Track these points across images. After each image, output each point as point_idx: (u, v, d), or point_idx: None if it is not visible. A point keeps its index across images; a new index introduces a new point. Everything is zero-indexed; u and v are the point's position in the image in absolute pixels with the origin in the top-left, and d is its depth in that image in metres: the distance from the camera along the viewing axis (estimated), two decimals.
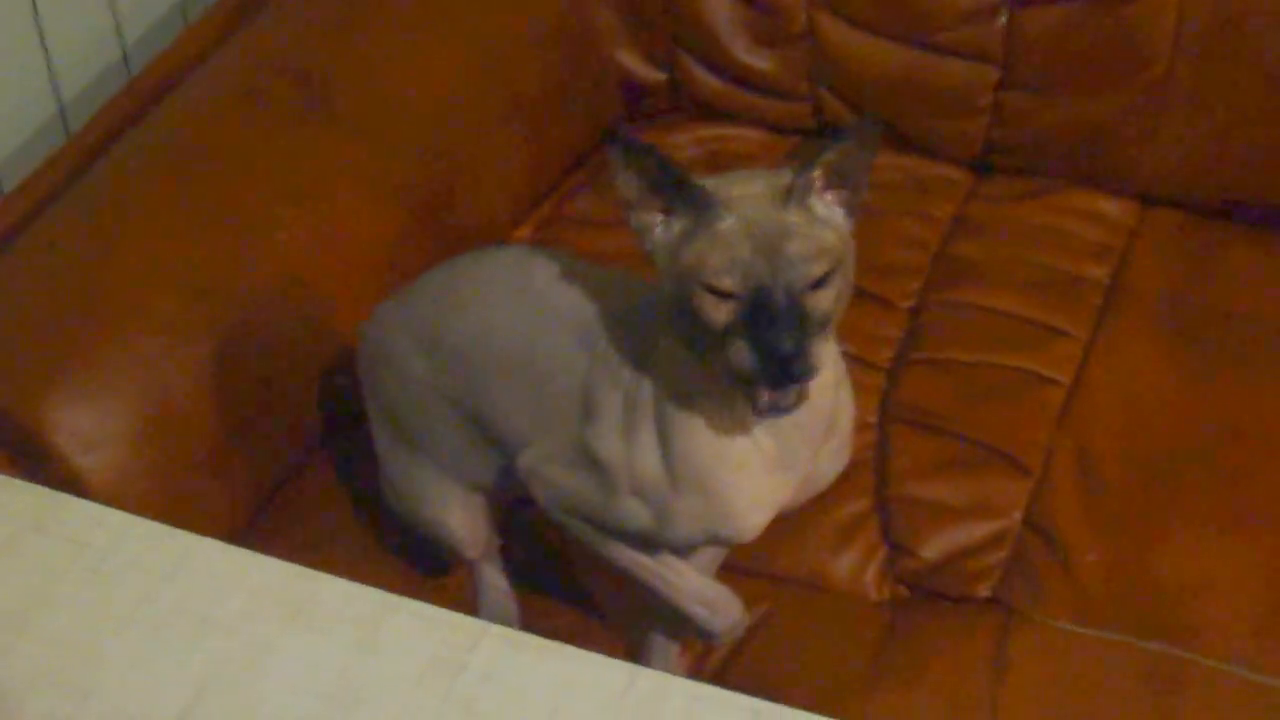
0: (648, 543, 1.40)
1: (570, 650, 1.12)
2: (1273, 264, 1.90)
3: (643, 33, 2.06)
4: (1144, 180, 1.97)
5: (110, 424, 1.51)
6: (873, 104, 2.00)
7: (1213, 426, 1.73)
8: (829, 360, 1.24)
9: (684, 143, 2.06)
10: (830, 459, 1.37)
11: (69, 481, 1.47)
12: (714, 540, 1.39)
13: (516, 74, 1.95)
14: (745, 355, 1.18)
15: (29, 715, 1.09)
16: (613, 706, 1.08)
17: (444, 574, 1.62)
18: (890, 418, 1.75)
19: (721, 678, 1.54)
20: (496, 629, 1.14)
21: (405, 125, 1.83)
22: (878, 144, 1.22)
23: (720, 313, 1.19)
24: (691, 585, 1.45)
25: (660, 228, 1.23)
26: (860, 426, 1.58)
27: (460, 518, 1.53)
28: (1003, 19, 1.94)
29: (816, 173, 1.20)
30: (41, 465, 1.48)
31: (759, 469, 1.31)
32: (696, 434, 1.29)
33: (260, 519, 1.64)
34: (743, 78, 2.06)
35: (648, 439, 1.31)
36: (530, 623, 1.58)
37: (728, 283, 1.18)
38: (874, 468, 1.71)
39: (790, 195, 1.19)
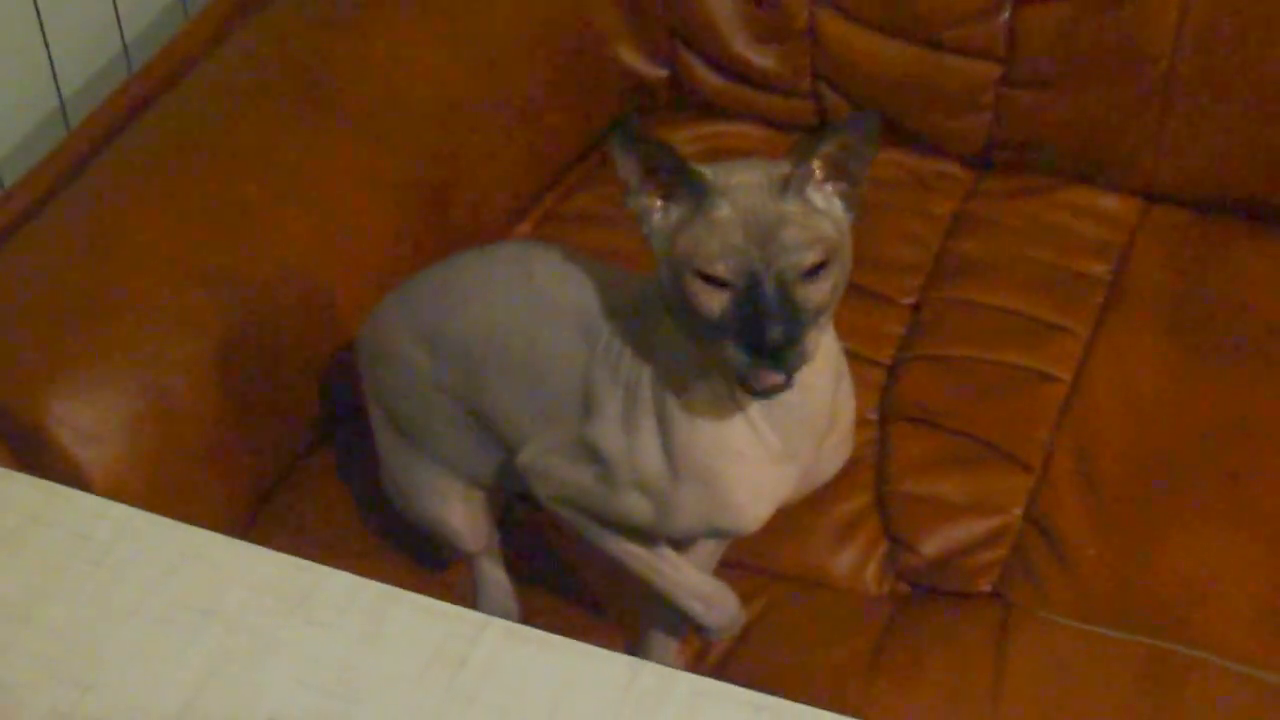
0: (649, 536, 1.40)
1: (573, 644, 1.12)
2: (1274, 261, 1.90)
3: (644, 29, 2.06)
4: (1145, 177, 1.97)
5: (111, 418, 1.51)
6: (874, 101, 2.00)
7: (1213, 423, 1.73)
8: (823, 351, 1.24)
9: (685, 140, 2.06)
10: (832, 453, 1.37)
11: (69, 475, 1.47)
12: (715, 532, 1.39)
13: (517, 71, 1.95)
14: (735, 343, 1.18)
15: (31, 708, 1.09)
16: (615, 700, 1.08)
17: (444, 568, 1.62)
18: (891, 414, 1.75)
19: (722, 672, 1.54)
20: (499, 622, 1.14)
21: (406, 121, 1.83)
22: (877, 136, 1.21)
23: (714, 300, 1.19)
24: (689, 580, 1.45)
25: (658, 213, 1.23)
26: (861, 423, 1.57)
27: (460, 512, 1.54)
28: (1005, 16, 1.94)
29: (815, 164, 1.20)
30: (42, 459, 1.48)
31: (761, 461, 1.31)
32: (697, 425, 1.29)
33: (261, 513, 1.64)
34: (744, 74, 2.06)
35: (648, 431, 1.31)
36: (529, 619, 1.58)
37: (721, 269, 1.18)
38: (874, 464, 1.71)
39: (788, 185, 1.19)
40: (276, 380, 1.64)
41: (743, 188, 1.20)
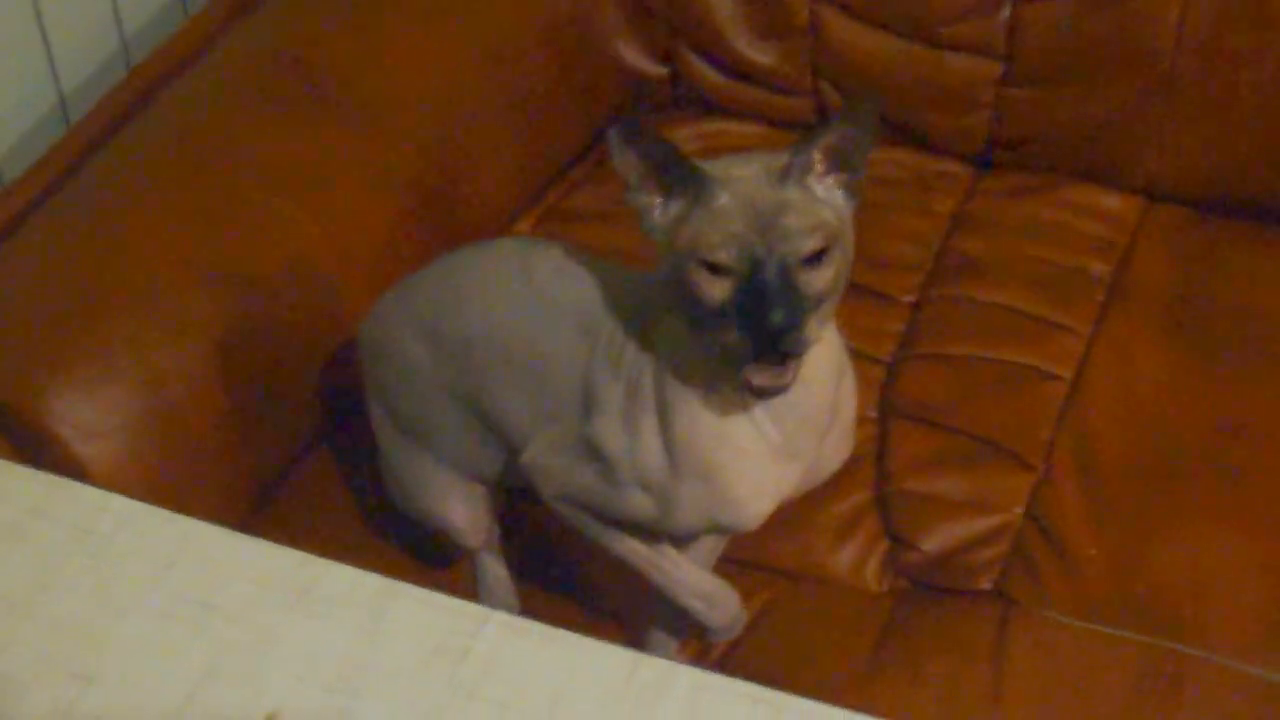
0: (650, 533, 1.39)
1: (574, 637, 1.12)
2: (1275, 260, 1.90)
3: (644, 26, 2.06)
4: (1146, 176, 1.97)
5: (111, 414, 1.51)
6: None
7: (1214, 422, 1.73)
8: (825, 347, 1.24)
9: (684, 137, 2.06)
10: (833, 450, 1.37)
11: (70, 471, 1.46)
12: (716, 528, 1.39)
13: (518, 68, 1.95)
14: (738, 330, 1.18)
15: (32, 702, 1.09)
16: (616, 693, 1.08)
17: (445, 564, 1.62)
18: (891, 412, 1.75)
19: (722, 669, 1.54)
20: (500, 615, 1.14)
21: (406, 118, 1.83)
22: (875, 123, 1.22)
23: (716, 289, 1.19)
24: (690, 579, 1.45)
25: (658, 209, 1.23)
26: (861, 421, 1.57)
27: (461, 507, 1.54)
28: (1006, 13, 1.95)
29: (815, 155, 1.20)
30: (43, 455, 1.48)
31: (762, 457, 1.31)
32: (699, 421, 1.29)
33: (262, 508, 1.64)
34: (744, 72, 2.06)
35: (650, 427, 1.31)
36: (529, 615, 1.58)
37: (723, 257, 1.18)
38: (875, 462, 1.71)
39: (788, 173, 1.19)
40: (277, 376, 1.64)
41: (743, 178, 1.20)
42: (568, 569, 1.63)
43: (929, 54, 1.98)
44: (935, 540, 1.64)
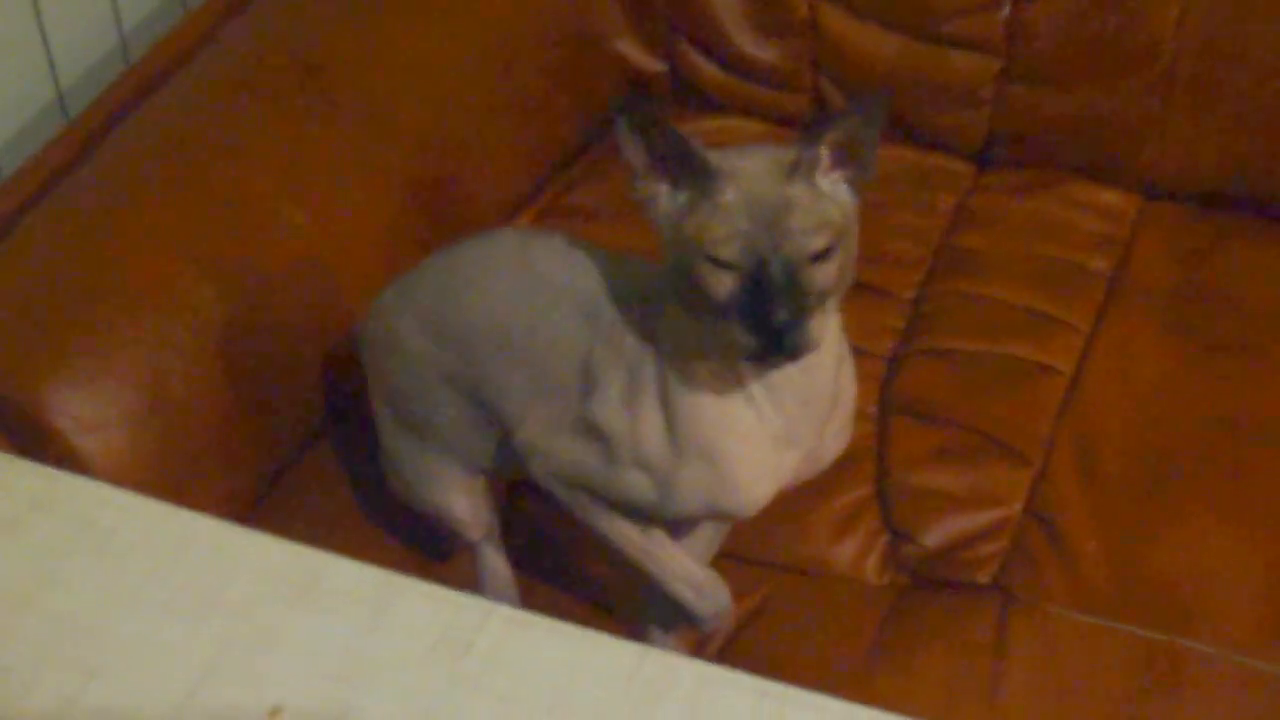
0: (648, 517, 1.39)
1: (578, 631, 1.12)
2: (1275, 256, 1.90)
3: (644, 23, 2.06)
4: (1146, 172, 1.97)
5: (111, 408, 1.51)
6: None
7: (1213, 418, 1.73)
8: (828, 336, 1.24)
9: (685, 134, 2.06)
10: (833, 437, 1.37)
11: (70, 465, 1.46)
12: (716, 513, 1.39)
13: (517, 64, 1.95)
14: (742, 325, 1.18)
15: (35, 695, 1.08)
16: (620, 687, 1.08)
17: (446, 557, 1.62)
18: (892, 407, 1.75)
19: (722, 662, 1.54)
20: (503, 609, 1.13)
21: (406, 114, 1.82)
22: (883, 118, 1.22)
23: (721, 284, 1.19)
24: (680, 566, 1.45)
25: (665, 198, 1.23)
26: (861, 416, 1.58)
27: (463, 500, 1.53)
28: (1006, 10, 1.95)
29: (822, 150, 1.20)
30: (43, 449, 1.48)
31: (763, 442, 1.31)
32: (700, 404, 1.29)
33: (263, 502, 1.64)
34: (744, 68, 2.06)
35: (651, 409, 1.31)
36: (529, 608, 1.57)
37: (728, 253, 1.18)
38: (875, 456, 1.71)
39: (795, 169, 1.19)
40: (278, 370, 1.64)
41: (749, 172, 1.20)
42: (568, 567, 1.63)
43: (929, 51, 1.98)
44: (935, 535, 1.64)
